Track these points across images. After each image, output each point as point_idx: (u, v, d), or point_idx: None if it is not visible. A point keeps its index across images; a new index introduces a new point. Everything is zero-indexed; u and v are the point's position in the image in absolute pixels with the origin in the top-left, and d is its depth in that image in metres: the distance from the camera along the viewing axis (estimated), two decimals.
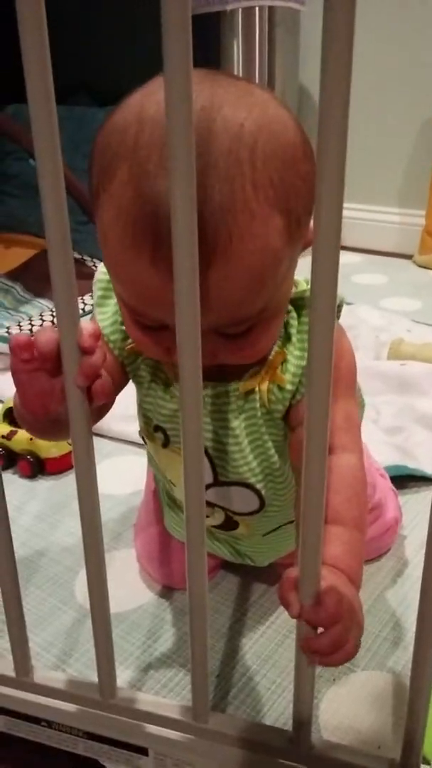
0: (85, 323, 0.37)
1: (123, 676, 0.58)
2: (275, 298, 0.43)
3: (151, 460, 0.62)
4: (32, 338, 0.39)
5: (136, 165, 0.38)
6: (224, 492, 0.55)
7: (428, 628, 0.38)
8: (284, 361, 0.50)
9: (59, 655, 0.60)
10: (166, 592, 0.67)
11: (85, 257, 1.53)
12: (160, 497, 0.67)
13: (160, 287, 0.39)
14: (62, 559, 0.71)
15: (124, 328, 0.50)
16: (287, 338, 0.50)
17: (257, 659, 0.59)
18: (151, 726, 0.48)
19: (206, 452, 0.53)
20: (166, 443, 0.55)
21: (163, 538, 0.66)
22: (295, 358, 0.50)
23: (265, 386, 0.50)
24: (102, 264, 0.50)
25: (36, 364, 0.38)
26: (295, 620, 0.39)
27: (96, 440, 1.00)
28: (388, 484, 0.72)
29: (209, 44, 1.39)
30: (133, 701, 0.48)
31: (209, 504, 0.57)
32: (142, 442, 0.89)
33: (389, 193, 1.64)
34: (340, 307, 0.51)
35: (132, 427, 0.92)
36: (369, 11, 1.55)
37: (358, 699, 0.55)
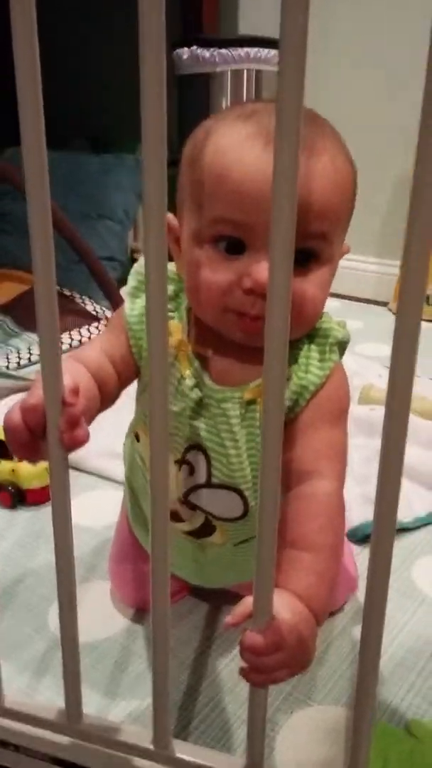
0: (65, 380, 0.41)
1: (91, 704, 0.60)
2: (333, 243, 0.50)
3: (132, 469, 0.64)
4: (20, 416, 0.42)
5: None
6: (212, 495, 0.57)
7: (370, 668, 0.42)
8: (288, 379, 0.53)
9: (29, 682, 0.62)
10: (136, 622, 0.69)
11: (74, 294, 1.58)
12: (132, 528, 0.69)
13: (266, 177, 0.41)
14: (38, 587, 0.74)
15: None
16: (294, 360, 0.54)
17: (219, 691, 0.62)
18: (113, 752, 0.50)
19: (205, 451, 0.56)
20: None
21: (134, 566, 0.69)
22: (297, 378, 0.53)
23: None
24: (141, 260, 0.55)
25: (28, 437, 0.43)
26: None
27: (74, 474, 1.03)
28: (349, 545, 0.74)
29: (200, 102, 1.47)
30: (97, 727, 0.51)
31: (192, 507, 0.59)
32: (117, 479, 0.93)
33: (368, 243, 1.71)
34: (344, 344, 0.55)
35: (109, 464, 0.95)
36: (345, 75, 1.64)
37: (313, 731, 0.58)
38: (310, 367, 0.54)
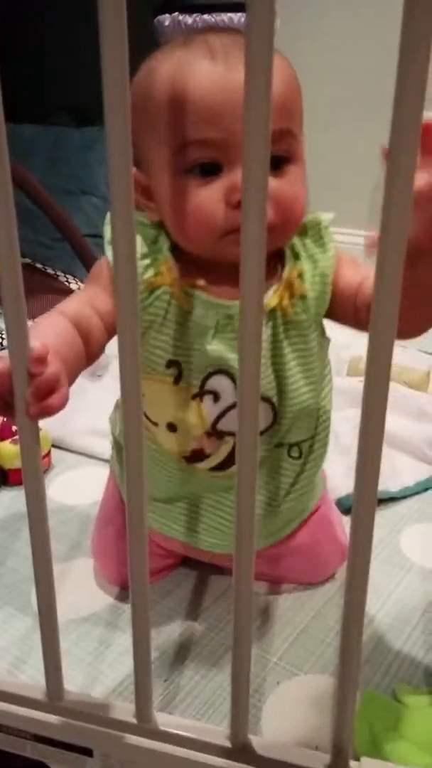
0: (33, 343, 0.39)
1: (75, 681, 0.60)
2: (298, 139, 0.52)
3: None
4: None
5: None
6: None
7: (353, 635, 0.41)
8: (300, 274, 0.55)
9: (13, 662, 0.62)
10: (121, 599, 0.69)
11: (58, 273, 1.55)
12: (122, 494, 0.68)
13: (234, 87, 0.46)
14: (21, 567, 0.73)
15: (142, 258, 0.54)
16: (296, 257, 0.56)
17: (205, 664, 0.61)
18: (96, 727, 0.50)
19: (228, 372, 0.56)
20: (178, 378, 0.56)
21: (120, 537, 0.68)
22: (307, 270, 0.55)
23: (287, 302, 0.55)
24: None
25: (1, 402, 0.42)
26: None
27: (58, 452, 1.02)
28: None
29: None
30: (78, 704, 0.50)
31: (220, 436, 0.58)
32: (102, 456, 0.92)
33: (357, 216, 1.69)
34: (327, 227, 0.56)
35: (94, 441, 0.94)
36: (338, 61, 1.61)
37: (300, 701, 0.58)
38: (316, 256, 0.56)
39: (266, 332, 0.55)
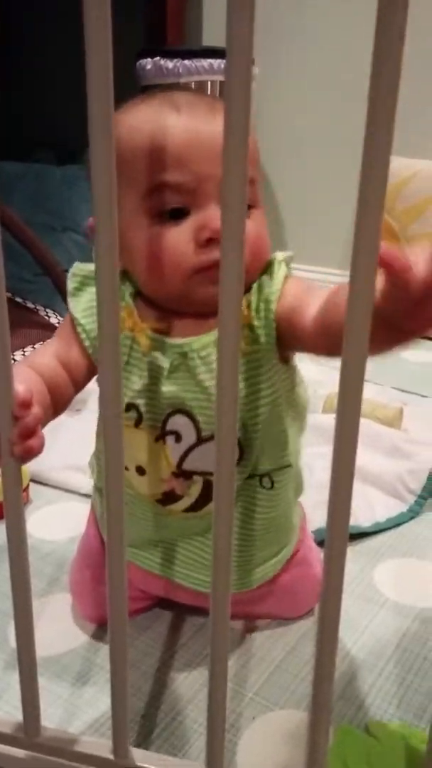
0: (17, 387, 0.41)
1: (52, 718, 0.60)
2: (257, 186, 0.54)
3: (101, 475, 0.65)
4: None
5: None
6: (206, 449, 0.58)
7: (325, 670, 0.42)
8: (247, 305, 0.55)
9: None
10: (98, 635, 0.69)
11: (38, 307, 1.57)
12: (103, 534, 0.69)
13: (201, 135, 0.50)
14: None
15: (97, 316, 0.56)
16: (247, 290, 0.55)
17: (181, 700, 0.62)
18: (73, 763, 0.50)
19: (187, 411, 0.57)
20: (138, 421, 0.58)
21: (100, 580, 0.68)
22: (253, 300, 0.55)
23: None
24: (76, 263, 0.59)
25: None
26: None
27: (37, 487, 1.02)
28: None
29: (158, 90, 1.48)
30: (55, 740, 0.51)
31: (188, 476, 0.59)
32: (81, 491, 0.93)
33: (332, 256, 1.73)
34: (289, 258, 0.57)
35: (73, 476, 0.95)
36: (303, 92, 1.67)
37: (275, 736, 0.58)
38: (263, 285, 0.55)
39: None
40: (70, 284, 0.59)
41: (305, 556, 0.70)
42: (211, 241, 0.51)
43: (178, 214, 0.52)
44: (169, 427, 0.58)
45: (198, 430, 0.58)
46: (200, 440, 0.58)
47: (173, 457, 0.59)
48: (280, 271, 0.55)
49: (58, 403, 0.55)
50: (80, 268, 0.60)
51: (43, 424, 0.50)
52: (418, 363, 1.41)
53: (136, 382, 0.57)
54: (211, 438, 0.58)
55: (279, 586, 0.68)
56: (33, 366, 0.54)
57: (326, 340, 0.49)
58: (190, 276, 0.52)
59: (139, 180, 0.52)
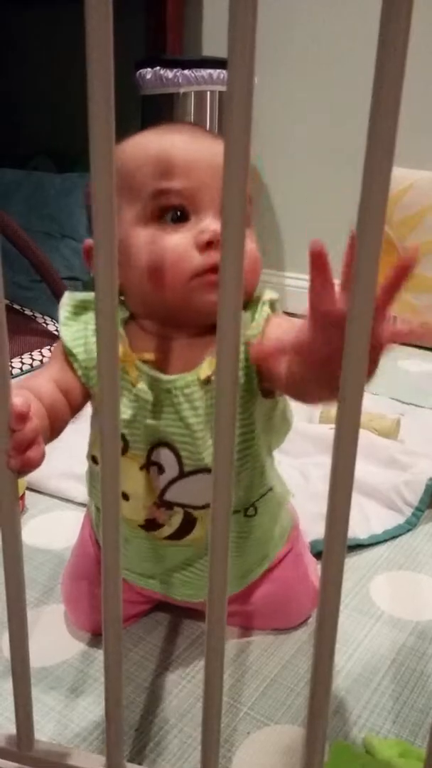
0: (15, 401, 0.41)
1: (44, 730, 0.59)
2: (247, 216, 0.52)
3: (93, 492, 0.65)
4: None
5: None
6: (187, 483, 0.58)
7: (321, 685, 0.42)
8: None
9: None
10: (92, 646, 0.68)
11: (36, 315, 1.57)
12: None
13: (201, 148, 0.53)
14: None
15: (89, 345, 0.57)
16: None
17: (176, 713, 0.61)
18: None
19: (170, 445, 0.57)
20: (124, 450, 0.58)
21: (91, 577, 0.68)
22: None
23: None
24: (67, 294, 0.59)
25: None
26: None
27: (32, 496, 1.02)
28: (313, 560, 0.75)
29: (164, 122, 1.48)
30: (49, 753, 0.50)
31: (169, 506, 0.60)
32: (76, 500, 0.92)
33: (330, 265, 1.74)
34: (274, 301, 0.57)
35: (68, 485, 0.94)
36: (302, 103, 1.67)
37: (270, 751, 0.58)
38: (245, 328, 0.55)
39: (204, 402, 0.56)
40: (62, 313, 0.59)
41: (299, 554, 0.71)
42: (210, 245, 0.52)
43: (178, 219, 0.53)
44: (154, 458, 0.58)
45: (181, 464, 0.58)
46: (182, 474, 0.58)
47: (156, 488, 0.59)
48: (262, 312, 0.56)
49: (56, 424, 0.55)
50: (71, 298, 0.60)
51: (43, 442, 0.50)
52: (416, 373, 1.41)
53: (125, 412, 0.57)
54: (193, 473, 0.58)
55: (272, 579, 0.68)
56: (31, 389, 0.55)
57: (294, 392, 0.50)
58: (190, 279, 0.53)
59: (140, 189, 0.53)
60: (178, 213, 0.53)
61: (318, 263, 0.38)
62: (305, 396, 0.50)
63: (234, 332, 0.36)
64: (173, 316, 0.55)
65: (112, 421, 0.38)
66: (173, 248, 0.52)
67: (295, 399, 0.53)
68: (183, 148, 0.53)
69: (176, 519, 0.60)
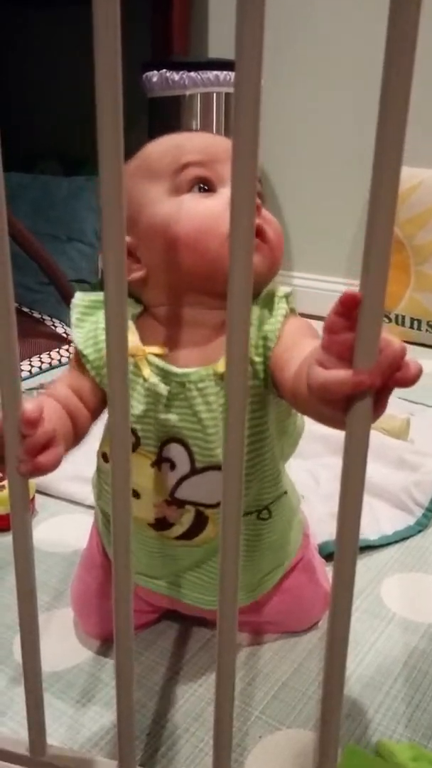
0: (26, 406, 0.41)
1: (56, 735, 0.59)
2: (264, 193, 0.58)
3: (101, 494, 0.64)
4: None
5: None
6: (200, 480, 0.58)
7: (333, 689, 0.42)
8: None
9: None
10: (103, 650, 0.68)
11: (45, 317, 1.57)
12: (107, 549, 0.68)
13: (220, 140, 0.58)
14: (2, 617, 0.73)
15: (99, 344, 0.57)
16: (257, 295, 0.56)
17: (187, 718, 0.61)
18: None
19: (182, 441, 0.57)
20: (136, 446, 0.58)
21: (102, 595, 0.68)
22: (252, 336, 0.54)
23: None
24: (78, 294, 0.60)
25: None
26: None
27: (42, 499, 1.02)
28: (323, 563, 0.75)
29: (170, 124, 1.48)
30: (61, 758, 0.50)
31: (180, 504, 0.59)
32: (86, 503, 0.92)
33: (337, 265, 1.73)
34: (290, 296, 0.57)
35: (78, 488, 0.94)
36: (311, 104, 1.67)
37: (282, 756, 0.58)
38: (263, 320, 0.55)
39: (218, 398, 0.55)
40: (73, 316, 0.59)
41: (309, 561, 0.70)
42: None
43: (206, 191, 0.55)
44: (165, 454, 0.58)
45: (192, 460, 0.58)
46: (194, 471, 0.58)
47: (167, 485, 0.59)
48: (280, 308, 0.55)
49: (78, 431, 0.56)
50: (81, 299, 0.60)
51: (66, 449, 0.50)
52: (426, 373, 1.40)
53: (136, 407, 0.57)
54: (204, 469, 0.58)
55: (283, 589, 0.67)
56: (52, 395, 0.55)
57: (295, 403, 0.50)
58: (224, 240, 0.52)
59: (165, 170, 0.56)
60: (205, 186, 0.55)
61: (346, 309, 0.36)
62: (307, 415, 0.50)
63: (245, 291, 0.35)
64: (203, 286, 0.55)
65: (122, 415, 0.38)
66: (209, 209, 0.54)
67: (296, 409, 0.53)
68: (201, 137, 0.59)
69: (187, 518, 0.60)
